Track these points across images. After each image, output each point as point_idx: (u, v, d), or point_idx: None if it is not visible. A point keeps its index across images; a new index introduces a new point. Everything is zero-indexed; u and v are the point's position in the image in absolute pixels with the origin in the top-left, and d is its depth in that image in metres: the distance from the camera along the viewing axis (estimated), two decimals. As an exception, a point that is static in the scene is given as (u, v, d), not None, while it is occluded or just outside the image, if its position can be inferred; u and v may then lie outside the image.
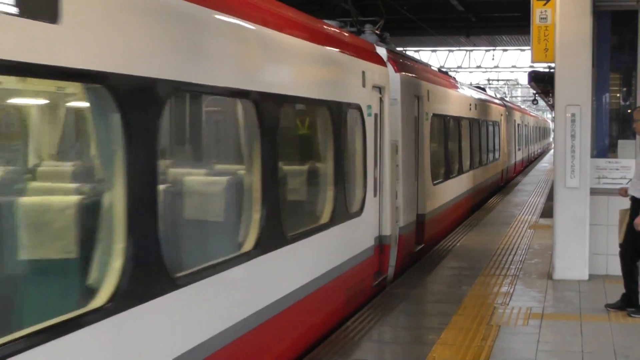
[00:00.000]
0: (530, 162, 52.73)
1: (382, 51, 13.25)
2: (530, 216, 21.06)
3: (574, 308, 10.69)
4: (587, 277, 12.36)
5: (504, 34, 34.41)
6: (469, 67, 52.08)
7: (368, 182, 11.17)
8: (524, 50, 46.29)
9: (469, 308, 10.64)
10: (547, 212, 19.99)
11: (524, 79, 69.31)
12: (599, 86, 13.05)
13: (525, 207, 23.29)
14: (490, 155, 28.32)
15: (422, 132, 15.47)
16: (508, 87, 78.13)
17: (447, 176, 18.90)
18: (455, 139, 20.49)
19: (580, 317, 10.17)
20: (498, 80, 57.55)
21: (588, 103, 12.40)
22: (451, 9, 26.81)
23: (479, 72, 54.62)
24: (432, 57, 47.29)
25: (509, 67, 54.71)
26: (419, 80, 15.59)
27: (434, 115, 16.94)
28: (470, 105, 23.11)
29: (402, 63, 14.68)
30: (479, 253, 15.03)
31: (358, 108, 10.85)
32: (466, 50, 48.74)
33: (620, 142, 13.06)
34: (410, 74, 14.84)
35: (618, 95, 13.75)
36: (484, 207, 23.59)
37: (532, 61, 13.73)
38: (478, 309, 10.60)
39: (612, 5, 12.92)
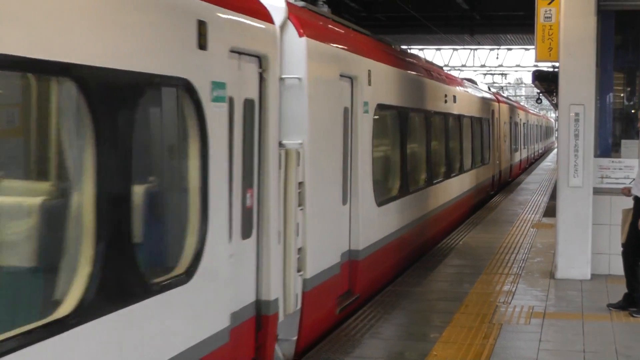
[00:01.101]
0: (530, 163, 49.11)
1: (276, 2, 8.89)
2: (533, 215, 21.05)
3: (576, 307, 10.70)
4: (589, 277, 12.35)
5: (509, 33, 34.40)
6: (473, 66, 52.08)
7: (214, 218, 6.72)
8: (528, 49, 46.28)
9: (471, 306, 10.65)
10: (550, 211, 19.98)
11: (528, 78, 69.31)
12: (603, 86, 13.04)
13: (528, 206, 23.29)
14: (477, 159, 23.69)
15: (357, 131, 10.94)
16: (512, 86, 78.16)
17: (404, 192, 13.92)
18: (419, 140, 15.84)
19: (582, 317, 10.17)
20: (493, 73, 55.05)
21: (592, 102, 12.40)
22: (456, 7, 26.83)
23: (482, 70, 54.55)
24: (437, 55, 47.28)
25: (513, 66, 54.66)
26: (351, 54, 10.97)
27: (381, 106, 12.34)
28: (446, 96, 18.25)
29: (316, 25, 10.01)
30: (482, 251, 15.03)
31: (184, 86, 6.37)
32: (470, 49, 48.75)
33: (623, 141, 13.06)
34: (331, 43, 10.34)
35: (622, 94, 13.76)
36: (486, 207, 23.54)
37: (536, 60, 13.74)
38: (480, 307, 10.60)
39: (617, 5, 12.90)
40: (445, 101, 18.14)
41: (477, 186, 23.55)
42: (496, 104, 29.38)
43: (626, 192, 10.67)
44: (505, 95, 49.25)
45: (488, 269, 13.23)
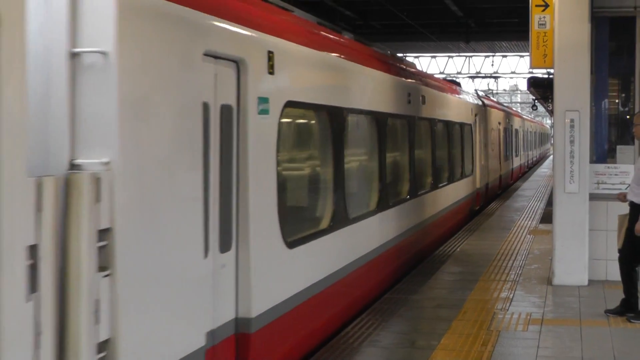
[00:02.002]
0: (523, 173, 45.96)
1: None
2: (530, 221, 21.06)
3: (573, 313, 10.71)
4: (586, 283, 12.37)
5: (504, 40, 34.50)
6: (468, 73, 52.16)
7: None
8: (523, 56, 46.37)
9: (468, 313, 10.66)
10: (547, 217, 20.00)
11: (523, 85, 69.42)
12: (598, 92, 13.08)
13: (525, 213, 23.30)
14: (455, 171, 20.29)
15: (245, 141, 7.60)
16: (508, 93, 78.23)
17: (336, 224, 10.29)
18: (363, 151, 12.48)
19: (580, 323, 10.18)
20: (484, 75, 53.61)
21: (587, 108, 12.43)
22: (451, 14, 26.94)
23: (477, 77, 54.63)
24: (432, 63, 47.35)
25: (508, 73, 54.73)
26: (233, 25, 7.52)
27: (295, 105, 9.05)
28: (410, 95, 14.61)
29: None
30: (479, 258, 15.04)
31: None
32: (466, 57, 48.85)
33: (619, 147, 13.08)
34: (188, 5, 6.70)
35: (617, 100, 13.80)
36: (483, 213, 23.53)
37: (531, 67, 13.77)
38: (478, 314, 10.61)
39: (611, 12, 12.95)
40: (409, 101, 14.51)
41: (454, 204, 19.77)
42: (482, 108, 26.13)
43: (622, 197, 10.70)
44: (494, 99, 47.09)
45: (485, 276, 13.24)
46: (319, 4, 24.89)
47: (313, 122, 10.44)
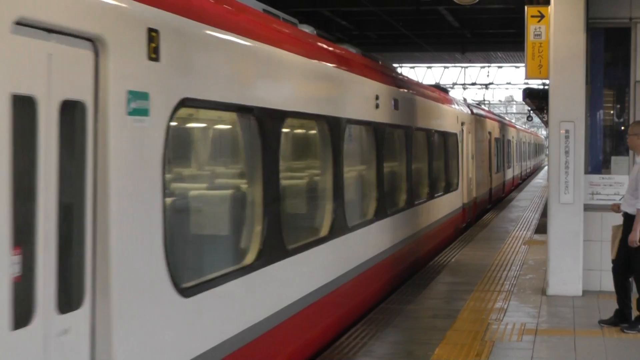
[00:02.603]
0: (516, 185, 43.74)
1: None
2: (524, 232, 21.08)
3: (567, 323, 10.71)
4: (580, 293, 12.37)
5: (499, 51, 34.55)
6: (464, 84, 52.25)
7: None
8: (518, 67, 46.46)
9: (463, 323, 10.65)
10: (542, 228, 20.01)
11: (518, 96, 69.54)
12: (593, 102, 13.10)
13: (519, 223, 23.31)
14: (436, 186, 17.95)
15: (105, 151, 5.46)
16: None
17: (261, 258, 7.88)
18: (305, 164, 10.75)
19: (574, 333, 10.18)
20: (470, 83, 52.26)
21: (582, 119, 12.46)
22: (447, 25, 26.98)
23: (474, 88, 54.75)
24: (428, 73, 47.42)
25: (504, 84, 54.81)
26: None
27: (196, 103, 6.80)
28: (378, 98, 12.44)
29: None
30: (474, 268, 15.04)
31: None
32: (461, 67, 48.94)
33: (613, 158, 13.11)
34: None
35: (612, 111, 13.81)
36: (478, 224, 23.54)
37: (527, 77, 13.78)
38: (472, 324, 10.61)
39: (606, 22, 12.98)
40: (377, 105, 12.36)
41: (435, 224, 17.46)
42: (470, 116, 23.90)
43: (616, 208, 10.71)
44: (486, 108, 44.14)
45: (480, 286, 13.24)
46: (314, 14, 24.94)
47: (231, 127, 8.07)
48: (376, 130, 12.40)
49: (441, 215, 18.32)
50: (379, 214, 12.54)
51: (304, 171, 10.57)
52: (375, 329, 10.38)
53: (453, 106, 21.19)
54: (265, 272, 7.90)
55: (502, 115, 54.34)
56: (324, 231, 10.08)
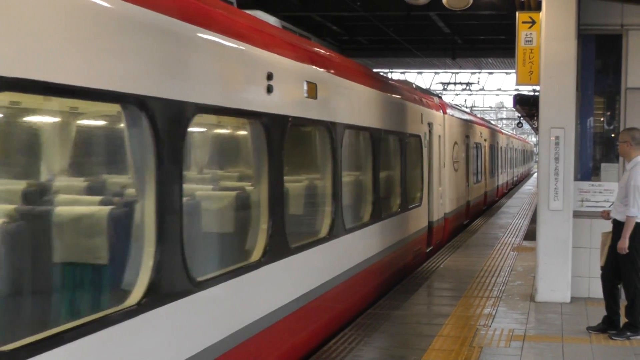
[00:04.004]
0: (500, 196, 39.53)
1: None
2: (513, 238, 21.07)
3: (556, 330, 10.69)
4: (569, 300, 12.36)
5: (490, 57, 34.60)
6: (454, 90, 52.30)
7: None
8: (509, 73, 46.54)
9: (451, 329, 10.62)
10: (531, 234, 20.02)
11: (509, 102, 69.68)
12: (583, 109, 13.09)
13: (509, 230, 23.31)
14: (382, 205, 13.41)
15: None
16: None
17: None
18: (151, 179, 6.13)
19: (562, 339, 10.16)
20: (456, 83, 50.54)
21: (572, 126, 12.45)
22: (437, 31, 26.99)
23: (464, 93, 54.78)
24: (418, 78, 47.44)
25: (494, 90, 54.91)
26: None
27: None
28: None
29: None
30: (462, 274, 15.02)
31: None
32: (452, 73, 48.97)
33: (603, 165, 13.11)
34: None
35: (602, 118, 13.81)
36: (467, 230, 23.52)
37: (517, 83, 13.81)
38: (460, 330, 10.58)
39: (597, 29, 12.98)
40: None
41: (383, 254, 13.34)
42: (441, 116, 19.88)
43: (605, 215, 10.71)
44: (468, 109, 39.53)
45: (468, 292, 13.21)
46: (305, 18, 24.92)
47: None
48: (268, 125, 8.32)
49: (388, 244, 13.70)
50: (271, 254, 8.36)
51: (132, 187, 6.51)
52: (363, 334, 10.34)
53: (416, 102, 16.62)
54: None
55: (486, 119, 52.37)
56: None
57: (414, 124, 16.12)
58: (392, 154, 14.57)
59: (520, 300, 12.56)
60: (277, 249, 8.47)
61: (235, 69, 7.81)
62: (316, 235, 10.35)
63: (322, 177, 10.80)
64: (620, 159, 12.25)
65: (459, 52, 31.26)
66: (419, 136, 16.61)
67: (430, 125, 17.93)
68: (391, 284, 14.06)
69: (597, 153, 13.64)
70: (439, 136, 19.38)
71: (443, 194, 20.08)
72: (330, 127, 10.56)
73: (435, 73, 48.17)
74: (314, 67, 10.06)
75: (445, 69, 42.98)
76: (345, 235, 11.15)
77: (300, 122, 9.62)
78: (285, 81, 8.90)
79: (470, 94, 54.89)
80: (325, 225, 10.56)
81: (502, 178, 41.20)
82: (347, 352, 9.47)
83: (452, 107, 25.10)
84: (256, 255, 8.14)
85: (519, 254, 17.93)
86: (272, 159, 8.41)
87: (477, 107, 67.08)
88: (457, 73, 49.03)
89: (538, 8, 12.98)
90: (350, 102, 11.72)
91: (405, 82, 19.55)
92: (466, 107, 50.40)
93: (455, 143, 22.48)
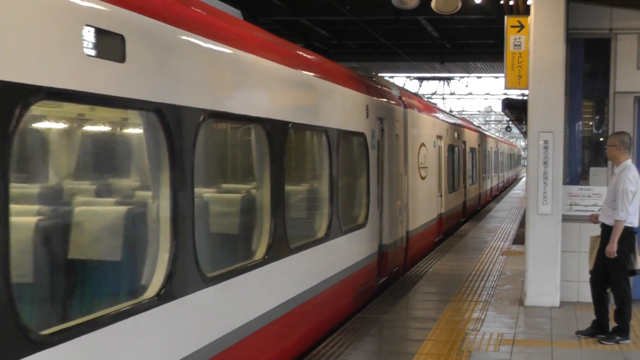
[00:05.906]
0: (483, 204, 36.15)
1: None
2: (502, 242, 21.07)
3: (545, 334, 10.68)
4: (558, 304, 12.36)
5: (479, 61, 34.60)
6: (443, 94, 52.29)
7: None
8: (498, 77, 46.56)
9: (440, 333, 10.60)
10: (520, 238, 20.02)
11: (497, 107, 69.71)
12: (572, 113, 13.11)
13: (497, 234, 23.31)
14: (306, 227, 10.84)
15: None
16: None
17: None
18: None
19: (552, 344, 10.15)
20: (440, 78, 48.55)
21: (560, 130, 12.45)
22: (426, 35, 26.98)
23: (453, 98, 54.81)
24: (407, 83, 47.39)
25: (482, 94, 54.95)
26: None
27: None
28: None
29: None
30: (451, 279, 15.01)
31: None
32: (440, 79, 48.93)
33: (592, 169, 13.12)
34: None
35: (590, 122, 13.83)
36: (456, 234, 23.51)
37: (506, 87, 13.80)
38: (449, 334, 10.56)
39: (586, 33, 13.00)
40: (88, 51, 5.19)
41: (305, 296, 9.84)
42: (400, 110, 16.15)
43: (594, 219, 10.70)
44: (438, 104, 33.33)
45: (457, 296, 13.20)
46: (294, 23, 24.89)
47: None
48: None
49: (301, 290, 9.72)
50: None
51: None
52: (352, 338, 10.31)
53: (356, 88, 12.68)
54: None
55: (462, 116, 46.86)
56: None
57: (351, 118, 12.29)
58: (307, 158, 11.17)
59: (510, 305, 12.55)
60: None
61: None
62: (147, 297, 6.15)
63: (154, 195, 6.44)
64: (609, 163, 12.25)
65: (447, 56, 31.23)
66: (362, 134, 12.78)
67: (381, 120, 14.14)
68: (313, 340, 10.33)
69: (585, 157, 13.66)
70: (396, 135, 15.53)
71: (404, 209, 16.30)
72: (197, 116, 6.75)
73: (422, 79, 48.06)
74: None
75: (434, 73, 42.96)
76: (206, 288, 6.93)
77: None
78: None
79: (459, 99, 54.90)
80: (157, 276, 6.28)
81: (486, 185, 37.40)
82: (336, 356, 9.45)
83: (420, 101, 20.67)
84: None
85: (508, 258, 17.93)
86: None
87: (466, 111, 67.09)
88: (447, 79, 48.95)
89: (527, 12, 12.99)
90: (220, 76, 7.53)
91: (351, 67, 15.03)
92: (456, 112, 50.24)
93: (423, 145, 18.82)
